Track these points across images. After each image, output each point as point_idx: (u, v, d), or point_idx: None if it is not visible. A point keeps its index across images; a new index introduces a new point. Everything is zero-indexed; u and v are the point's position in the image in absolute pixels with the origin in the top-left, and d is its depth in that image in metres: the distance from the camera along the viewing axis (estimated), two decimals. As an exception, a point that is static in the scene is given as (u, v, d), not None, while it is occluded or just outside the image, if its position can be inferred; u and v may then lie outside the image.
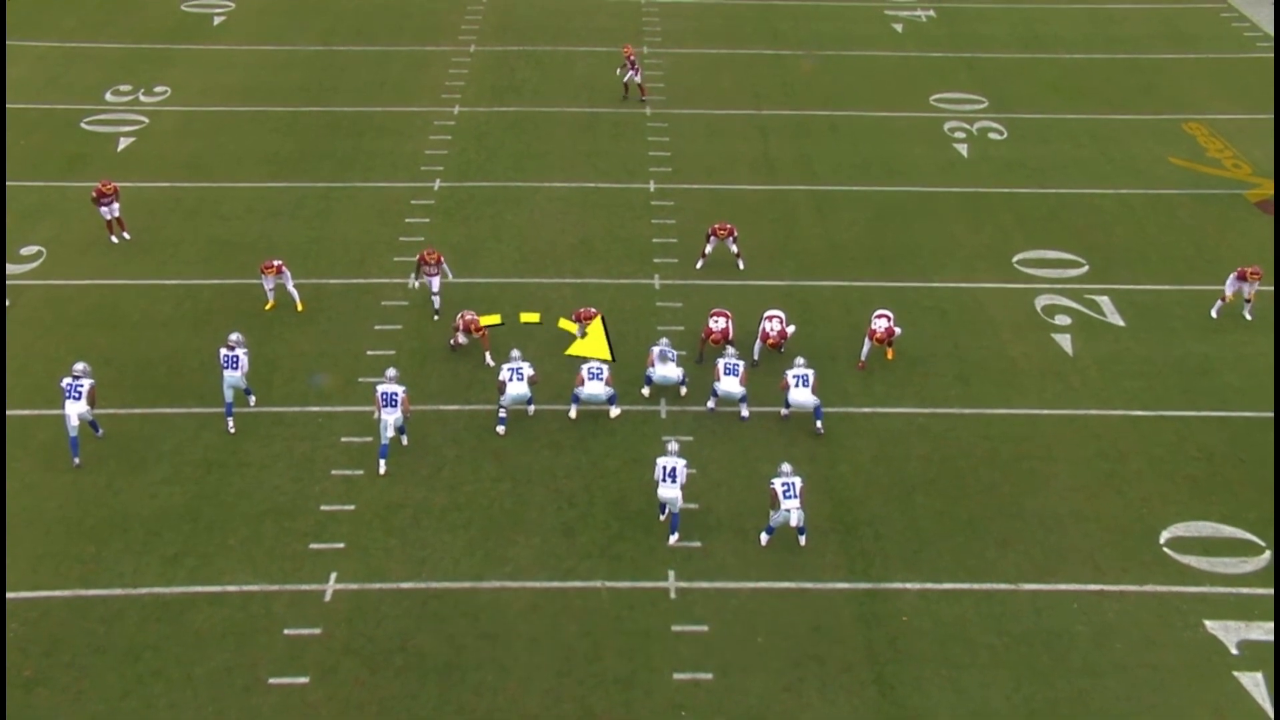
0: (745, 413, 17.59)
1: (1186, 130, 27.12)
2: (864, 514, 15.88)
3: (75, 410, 16.31)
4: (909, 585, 14.85)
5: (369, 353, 18.98)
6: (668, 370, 17.59)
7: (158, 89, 28.36)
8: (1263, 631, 14.25)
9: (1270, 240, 22.46)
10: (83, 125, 26.61)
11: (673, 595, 14.61)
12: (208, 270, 21.29)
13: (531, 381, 17.21)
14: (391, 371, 16.71)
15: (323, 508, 15.85)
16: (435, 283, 19.74)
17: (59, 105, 27.38)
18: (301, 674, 13.44)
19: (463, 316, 18.67)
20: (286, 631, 13.98)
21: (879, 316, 18.69)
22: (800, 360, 17.33)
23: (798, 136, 26.52)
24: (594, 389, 17.15)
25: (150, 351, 18.93)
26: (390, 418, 16.31)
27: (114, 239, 22.06)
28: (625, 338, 19.46)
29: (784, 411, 17.53)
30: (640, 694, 13.33)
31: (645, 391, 17.99)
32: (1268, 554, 15.36)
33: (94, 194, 21.80)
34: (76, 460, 16.52)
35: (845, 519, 15.84)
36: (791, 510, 14.82)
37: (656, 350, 17.74)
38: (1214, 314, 20.26)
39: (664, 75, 29.51)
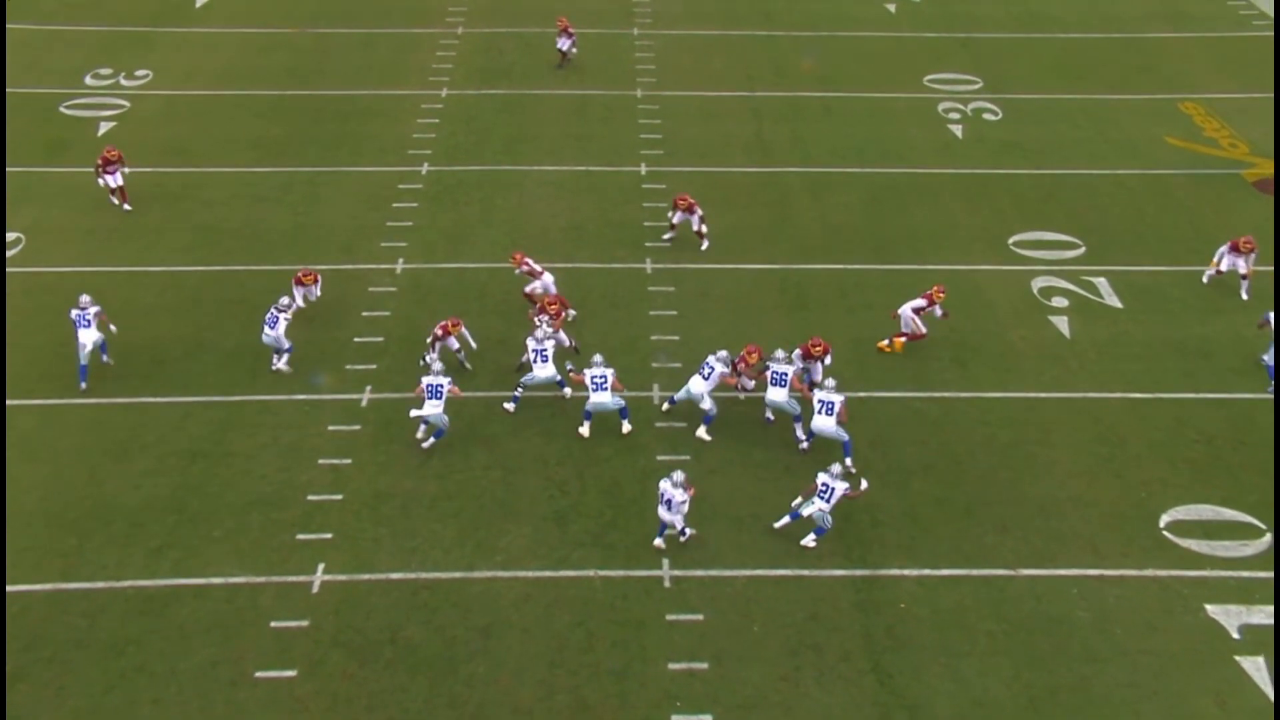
0: (770, 416, 17.04)
1: (1183, 110, 26.89)
2: (861, 500, 15.67)
3: (90, 338, 17.38)
4: (907, 572, 14.66)
5: (356, 340, 18.68)
6: (694, 384, 16.59)
7: (139, 73, 27.92)
8: (1264, 615, 14.11)
9: (1268, 220, 22.27)
10: (62, 110, 26.18)
11: (667, 584, 14.40)
12: (192, 257, 20.95)
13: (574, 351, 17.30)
14: (438, 365, 16.39)
15: (310, 498, 15.58)
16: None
17: (38, 89, 26.93)
18: (289, 667, 13.20)
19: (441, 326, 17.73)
20: (273, 624, 13.73)
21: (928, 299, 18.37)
22: (831, 382, 16.23)
23: (791, 118, 26.21)
24: (600, 399, 16.40)
25: (133, 340, 18.58)
26: (433, 411, 16.03)
27: (115, 201, 22.21)
28: (618, 323, 19.23)
29: (803, 443, 16.54)
30: (635, 685, 13.13)
31: (665, 407, 17.17)
32: (1268, 537, 15.21)
33: (99, 160, 21.91)
34: (83, 385, 17.42)
35: (842, 505, 15.58)
36: (815, 509, 14.57)
37: (714, 363, 16.58)
38: (1205, 280, 20.20)
39: (655, 57, 29.16)
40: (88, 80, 27.54)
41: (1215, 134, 25.78)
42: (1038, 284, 20.41)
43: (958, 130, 25.80)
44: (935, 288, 18.50)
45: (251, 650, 13.40)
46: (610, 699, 12.97)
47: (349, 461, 16.22)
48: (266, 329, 17.71)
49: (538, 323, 17.47)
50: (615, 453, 16.45)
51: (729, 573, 14.57)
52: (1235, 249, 19.85)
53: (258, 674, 13.10)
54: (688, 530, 14.74)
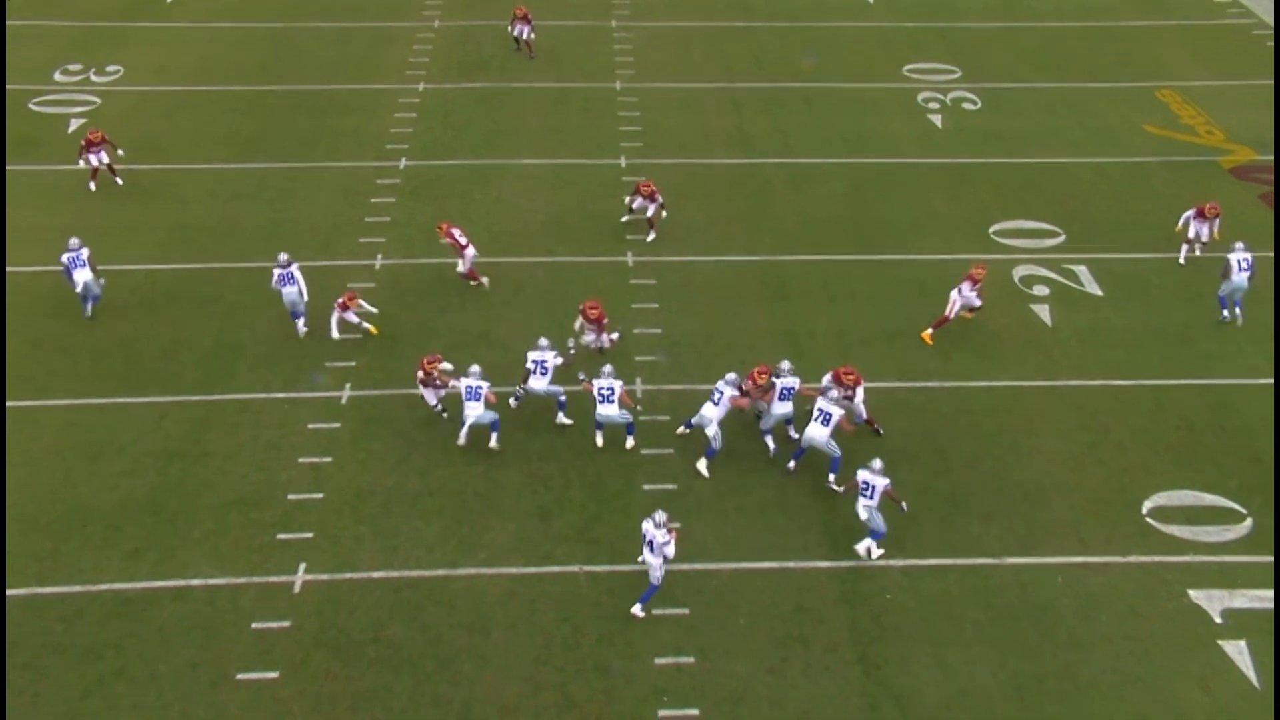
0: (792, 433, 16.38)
1: (1160, 98, 26.99)
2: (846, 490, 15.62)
3: (84, 277, 18.46)
4: (892, 562, 14.64)
5: (335, 337, 18.48)
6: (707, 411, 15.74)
7: (110, 68, 27.54)
8: (1246, 599, 14.18)
9: (1246, 206, 22.40)
10: (31, 106, 25.79)
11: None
12: (167, 255, 20.67)
13: (565, 365, 16.57)
14: (475, 368, 16.03)
15: (290, 497, 15.41)
16: (601, 339, 17.56)
17: (6, 86, 26.49)
18: (271, 669, 13.04)
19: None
20: (254, 625, 13.57)
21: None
22: (834, 393, 15.69)
23: (771, 110, 26.14)
24: (607, 411, 15.89)
25: (106, 339, 18.35)
26: (474, 412, 15.81)
27: (93, 186, 22.37)
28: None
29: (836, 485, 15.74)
30: (621, 680, 13.04)
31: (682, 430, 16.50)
32: (1249, 521, 15.28)
33: (82, 142, 22.13)
34: (89, 313, 18.73)
35: (827, 497, 15.58)
36: (860, 508, 14.39)
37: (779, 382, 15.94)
38: (1181, 260, 20.37)
39: (634, 49, 29.01)
40: (57, 76, 27.15)
41: (1192, 121, 25.89)
42: (1019, 272, 20.43)
43: (937, 120, 25.80)
44: (975, 267, 18.56)
45: (232, 652, 13.23)
46: (597, 695, 12.89)
47: (329, 460, 16.05)
48: (284, 289, 18.05)
49: (579, 329, 17.42)
50: (599, 448, 16.34)
51: (714, 566, 14.51)
52: (1201, 215, 20.10)
53: (239, 676, 12.94)
54: (657, 577, 13.61)
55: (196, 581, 14.16)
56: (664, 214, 21.03)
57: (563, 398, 16.53)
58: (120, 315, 19.00)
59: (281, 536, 14.79)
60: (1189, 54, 29.18)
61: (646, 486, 15.68)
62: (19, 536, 14.73)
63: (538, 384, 16.29)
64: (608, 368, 16.11)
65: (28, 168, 23.07)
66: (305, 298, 18.28)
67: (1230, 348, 18.59)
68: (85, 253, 18.47)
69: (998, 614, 13.96)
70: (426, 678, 13.02)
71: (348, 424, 16.72)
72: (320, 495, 15.45)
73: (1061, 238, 21.45)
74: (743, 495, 15.34)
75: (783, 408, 16.03)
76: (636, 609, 13.71)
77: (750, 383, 16.04)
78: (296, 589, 14.08)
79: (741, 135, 25.04)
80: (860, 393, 16.02)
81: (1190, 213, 20.33)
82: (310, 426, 16.62)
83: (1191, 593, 14.28)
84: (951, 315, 18.46)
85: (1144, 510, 15.48)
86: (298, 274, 18.18)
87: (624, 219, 21.29)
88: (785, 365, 16.24)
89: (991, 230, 21.69)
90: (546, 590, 14.15)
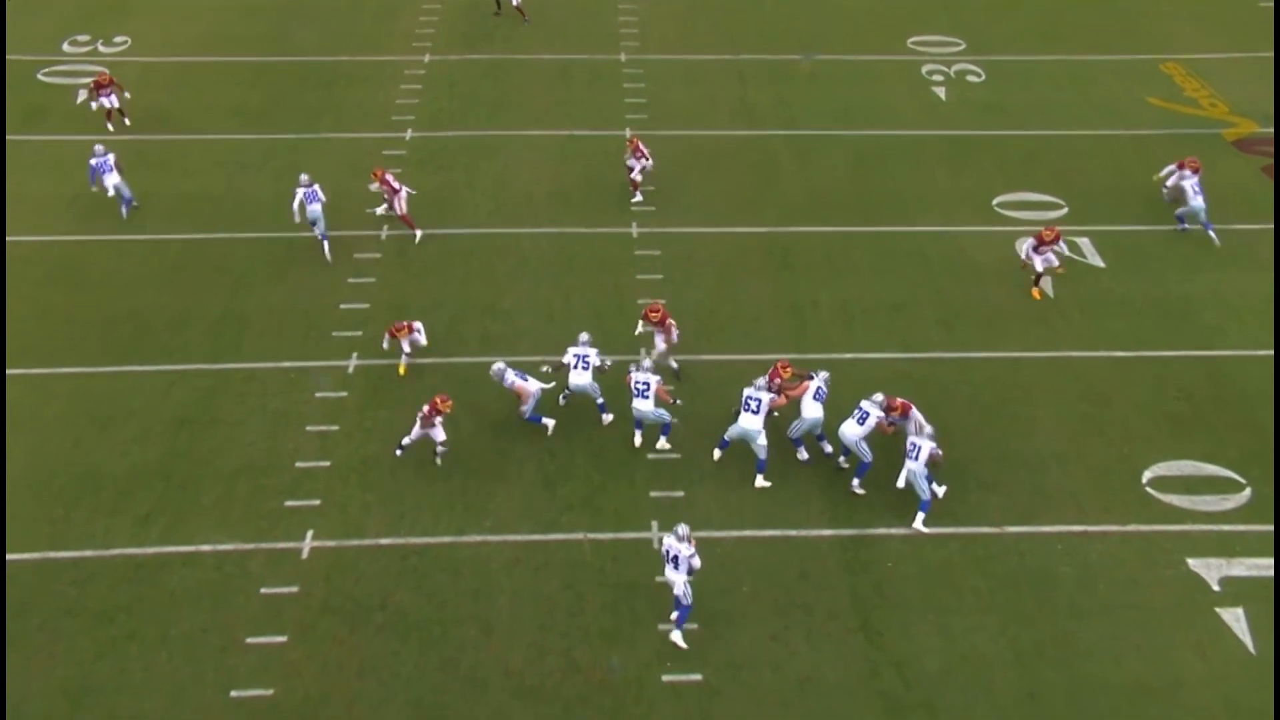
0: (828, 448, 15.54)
1: (1164, 70, 26.61)
2: (943, 463, 15.38)
3: (112, 181, 19.85)
4: (894, 530, 14.57)
5: (342, 306, 18.36)
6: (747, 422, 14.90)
7: (117, 39, 27.24)
8: (1244, 568, 14.10)
9: (1250, 178, 22.15)
10: (39, 77, 25.53)
11: (656, 546, 14.24)
12: (175, 225, 20.51)
13: (598, 370, 15.69)
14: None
15: (298, 464, 15.34)
16: (668, 356, 16.66)
17: (14, 56, 26.21)
18: (280, 633, 13.03)
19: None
20: (263, 590, 13.55)
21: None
22: (879, 397, 14.89)
23: (776, 82, 25.81)
24: (641, 406, 15.20)
25: (116, 309, 18.24)
26: (581, 382, 15.37)
27: (110, 126, 22.87)
28: (605, 287, 18.95)
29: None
30: (625, 645, 13.02)
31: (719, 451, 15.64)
32: (1248, 491, 15.18)
33: (92, 84, 22.55)
34: (125, 214, 20.24)
35: (829, 466, 15.49)
36: (909, 473, 14.30)
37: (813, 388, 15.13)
38: (1164, 194, 20.85)
39: (638, 21, 28.63)
40: (65, 47, 26.86)
41: (1195, 94, 25.54)
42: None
43: (941, 92, 25.47)
44: (1044, 229, 18.77)
45: (242, 617, 13.22)
46: (601, 659, 12.87)
47: (336, 428, 15.97)
48: (311, 206, 18.98)
49: (655, 344, 16.52)
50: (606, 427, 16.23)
51: (718, 534, 14.44)
52: (1182, 167, 20.21)
53: (249, 640, 12.93)
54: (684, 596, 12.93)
55: (206, 547, 14.13)
56: (648, 166, 20.83)
57: (600, 398, 15.96)
58: (129, 286, 18.88)
59: (290, 503, 14.75)
60: (1193, 26, 28.73)
61: (650, 456, 15.59)
62: (31, 501, 14.71)
63: (579, 379, 15.72)
64: (646, 361, 15.58)
65: (36, 138, 22.87)
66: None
67: (1230, 319, 18.42)
68: (112, 158, 19.84)
69: (998, 582, 13.90)
70: (432, 643, 13.00)
71: (354, 393, 16.63)
72: (328, 463, 15.39)
73: (1064, 210, 21.21)
74: (746, 464, 15.23)
75: (814, 410, 15.11)
76: (676, 636, 12.94)
77: (776, 377, 15.27)
78: (305, 555, 14.05)
79: (746, 107, 24.75)
80: (910, 421, 15.06)
81: (1173, 165, 20.60)
82: (317, 395, 16.54)
83: (1190, 561, 14.20)
84: (1041, 270, 18.63)
85: (1144, 480, 15.38)
86: (320, 192, 19.13)
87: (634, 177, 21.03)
88: (824, 373, 15.37)
89: (995, 202, 21.45)
90: (551, 557, 14.11)
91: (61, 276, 19.04)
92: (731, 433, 15.14)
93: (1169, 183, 20.70)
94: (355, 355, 17.36)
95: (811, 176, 22.27)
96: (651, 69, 26.23)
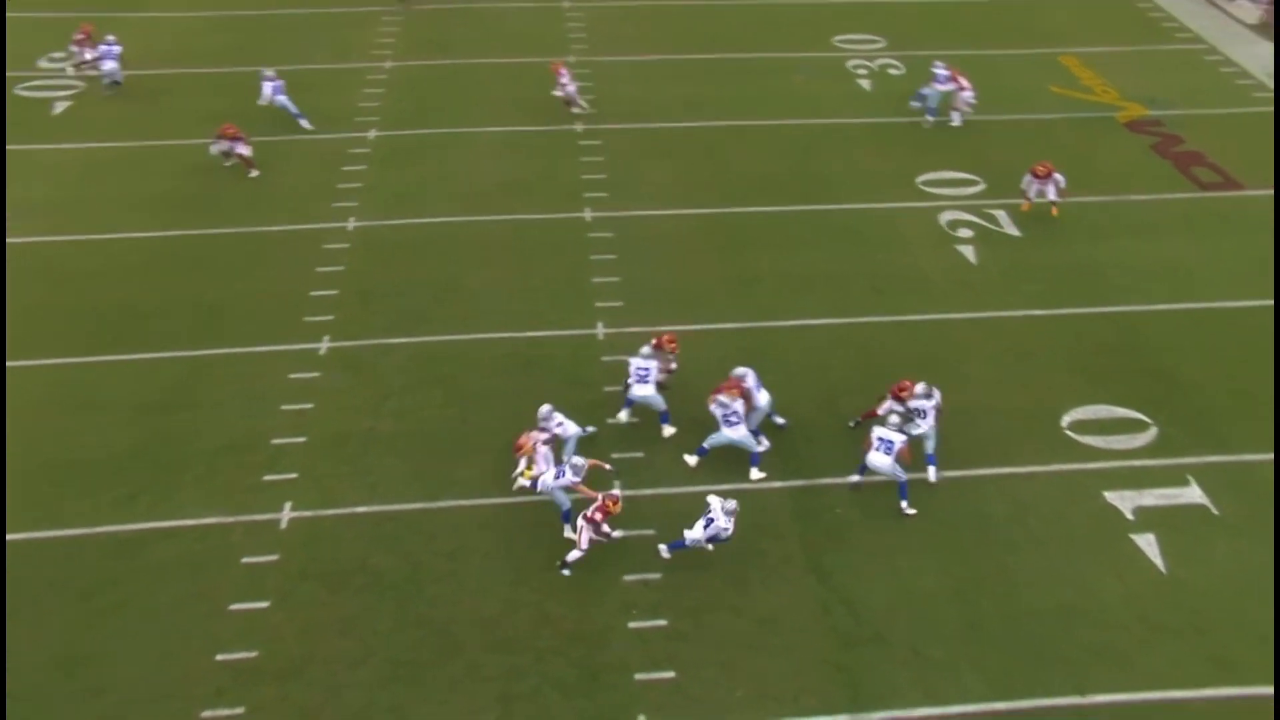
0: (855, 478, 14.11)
1: (1062, 62, 26.66)
2: (795, 418, 15.20)
3: (110, 66, 23.01)
4: (839, 480, 14.26)
5: (313, 293, 17.63)
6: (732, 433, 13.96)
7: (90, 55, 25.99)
8: (1153, 498, 14.01)
9: (1141, 153, 22.30)
10: (17, 92, 24.32)
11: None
12: (150, 223, 19.58)
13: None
14: (647, 349, 14.08)
15: (274, 441, 14.64)
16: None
17: (6, 71, 24.94)
18: (262, 599, 12.38)
19: None
20: (245, 560, 12.87)
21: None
22: (895, 419, 13.71)
23: (716, 79, 25.39)
24: (642, 392, 14.44)
25: (94, 304, 17.34)
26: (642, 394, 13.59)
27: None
28: (562, 267, 18.44)
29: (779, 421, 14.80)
30: (594, 596, 12.56)
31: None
32: (1154, 430, 15.11)
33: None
34: (105, 90, 23.31)
35: (782, 435, 15.13)
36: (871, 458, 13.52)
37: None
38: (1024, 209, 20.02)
39: (586, 27, 28.06)
40: (41, 63, 25.63)
41: (1090, 83, 25.61)
42: (945, 217, 20.04)
43: (865, 84, 25.26)
44: (1037, 165, 19.47)
45: (225, 585, 12.54)
46: (571, 611, 12.40)
47: (310, 406, 15.29)
48: (278, 99, 21.90)
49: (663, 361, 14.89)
50: (568, 386, 15.72)
51: (676, 490, 14.00)
52: (1035, 175, 19.75)
53: (232, 606, 12.26)
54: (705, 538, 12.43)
55: (189, 522, 13.41)
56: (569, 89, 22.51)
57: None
58: (108, 279, 17.98)
59: (268, 478, 14.06)
60: (1082, 24, 28.87)
61: (610, 421, 15.12)
62: (17, 485, 13.86)
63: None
64: (645, 348, 14.69)
65: (12, 147, 21.74)
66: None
67: (1135, 279, 18.40)
68: (118, 49, 22.70)
69: (938, 524, 13.66)
70: (409, 600, 12.44)
71: (327, 373, 15.95)
72: (303, 439, 14.71)
73: (981, 186, 21.08)
74: (702, 430, 14.70)
75: (763, 398, 14.16)
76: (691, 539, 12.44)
77: (722, 394, 14.01)
78: (283, 525, 13.39)
79: (690, 101, 24.28)
80: (914, 402, 14.11)
81: (1027, 177, 19.86)
82: (291, 376, 15.81)
83: (1106, 494, 14.08)
84: (1031, 195, 19.58)
85: (1063, 424, 15.25)
86: (283, 85, 21.83)
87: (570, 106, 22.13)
88: (899, 412, 13.98)
89: (918, 180, 21.24)
90: (521, 519, 13.59)
91: (40, 275, 18.06)
92: (714, 440, 14.10)
93: (1031, 194, 19.75)
94: (327, 338, 16.66)
95: (753, 162, 21.90)
96: (600, 69, 25.68)
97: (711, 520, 12.49)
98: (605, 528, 12.50)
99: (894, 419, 13.83)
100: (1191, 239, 19.57)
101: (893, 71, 25.91)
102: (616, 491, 13.07)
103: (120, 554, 12.95)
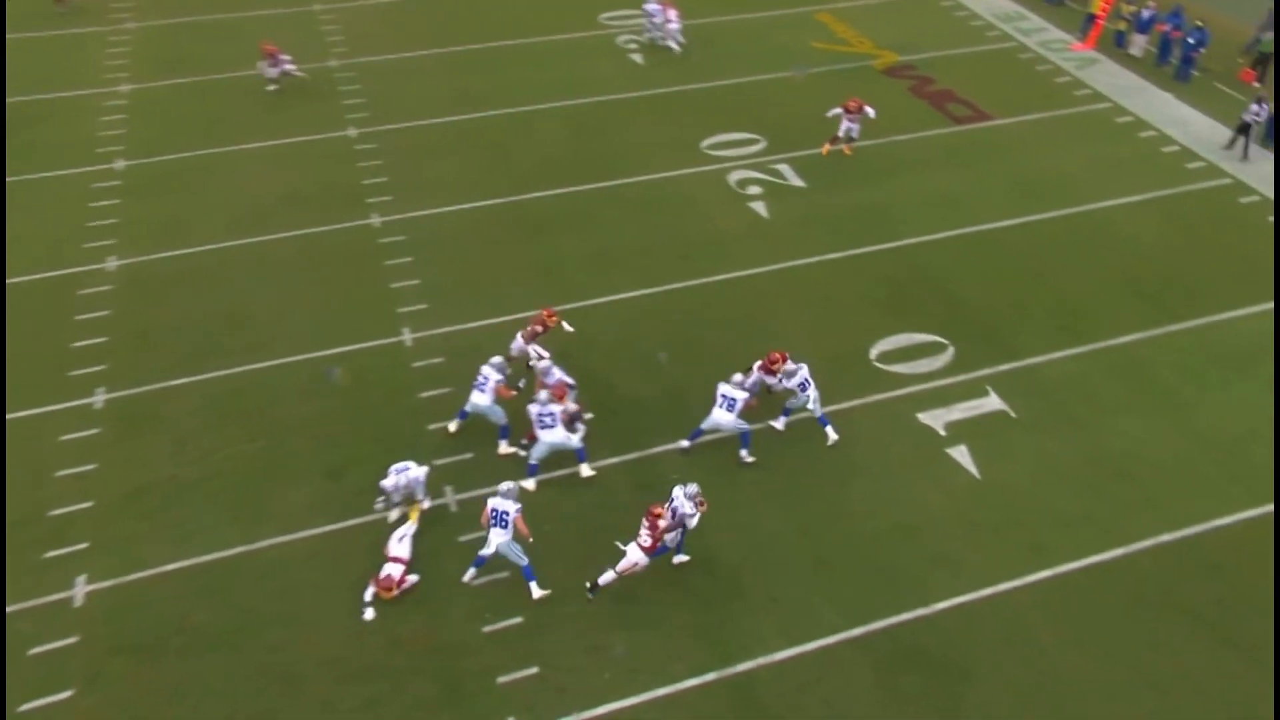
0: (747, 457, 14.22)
1: (818, 19, 28.07)
2: (622, 395, 15.21)
3: None
4: (671, 446, 14.39)
5: (75, 344, 15.95)
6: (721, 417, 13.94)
7: None
8: (960, 411, 15.02)
9: (897, 95, 23.79)
10: None
11: (454, 509, 13.36)
12: None
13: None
14: (505, 485, 12.34)
15: (53, 513, 13.13)
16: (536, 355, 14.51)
17: (6, 98, 20.93)
18: (62, 689, 11.06)
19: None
20: (33, 651, 11.43)
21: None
22: (737, 377, 14.05)
23: (488, 68, 24.96)
24: (477, 400, 13.84)
25: None
26: (498, 540, 12.10)
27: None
28: (358, 279, 17.58)
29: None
30: (442, 606, 12.08)
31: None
32: (951, 350, 16.18)
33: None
34: None
35: (607, 403, 15.09)
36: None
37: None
38: (824, 152, 21.26)
39: (343, 28, 26.87)
40: None
41: (846, 35, 27.11)
42: (733, 178, 20.63)
43: (638, 59, 25.59)
44: (849, 100, 20.55)
45: (13, 686, 11.10)
46: (420, 628, 11.87)
47: (93, 467, 13.82)
48: None
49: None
50: (383, 398, 15.03)
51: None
52: (846, 110, 20.99)
53: (22, 708, 10.86)
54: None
55: (-39, 622, 11.80)
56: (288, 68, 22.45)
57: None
58: None
59: (50, 554, 12.58)
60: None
61: (431, 427, 14.58)
62: None
63: (721, 418, 13.88)
64: (497, 359, 14.07)
65: None
66: None
67: (914, 214, 19.62)
68: None
69: (771, 471, 14.05)
70: (243, 651, 11.51)
71: (108, 427, 14.48)
72: (89, 504, 13.28)
73: (763, 143, 21.85)
74: (525, 421, 14.44)
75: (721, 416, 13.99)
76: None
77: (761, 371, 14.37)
78: (78, 602, 12.03)
79: (463, 93, 23.76)
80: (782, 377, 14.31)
81: (837, 109, 21.20)
82: (62, 438, 14.24)
83: (919, 415, 14.97)
84: (841, 135, 20.72)
85: (872, 356, 16.07)
86: None
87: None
88: (737, 377, 14.11)
89: (703, 145, 21.76)
90: (351, 542, 12.87)
91: None
92: (537, 452, 13.70)
93: (840, 131, 21.11)
94: (102, 390, 15.13)
95: (538, 147, 21.70)
96: (365, 70, 24.67)
97: (676, 510, 12.17)
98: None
99: (736, 376, 14.18)
100: (955, 169, 21.11)
101: (664, 44, 26.37)
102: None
103: (-121, 673, 11.22)
